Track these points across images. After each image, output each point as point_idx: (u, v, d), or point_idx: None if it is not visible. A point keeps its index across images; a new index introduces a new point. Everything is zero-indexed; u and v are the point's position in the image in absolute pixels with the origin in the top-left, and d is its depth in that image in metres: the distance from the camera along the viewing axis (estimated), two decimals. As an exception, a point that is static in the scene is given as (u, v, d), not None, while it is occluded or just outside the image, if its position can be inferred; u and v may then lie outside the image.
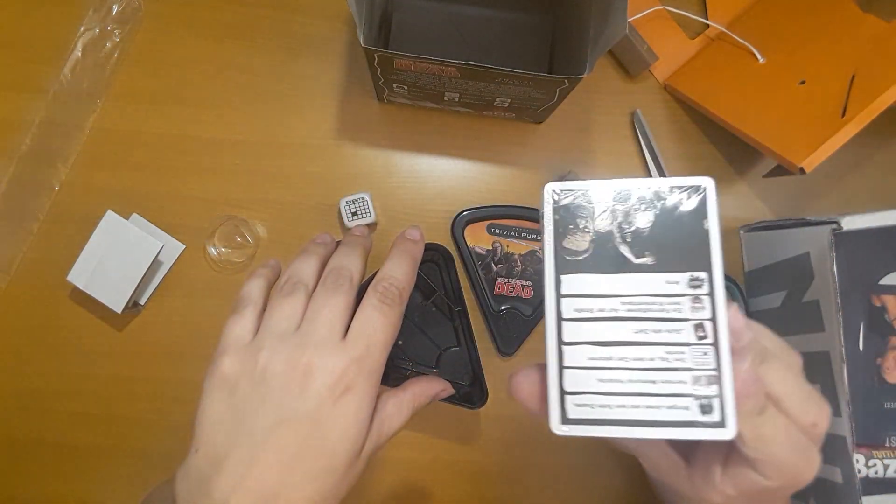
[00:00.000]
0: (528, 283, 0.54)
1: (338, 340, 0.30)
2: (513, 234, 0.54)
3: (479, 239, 0.54)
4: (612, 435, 0.23)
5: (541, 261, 0.27)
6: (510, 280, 0.54)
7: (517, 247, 0.54)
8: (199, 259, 0.53)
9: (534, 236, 0.54)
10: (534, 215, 0.54)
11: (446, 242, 0.54)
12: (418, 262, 0.35)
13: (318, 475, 0.28)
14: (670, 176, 0.56)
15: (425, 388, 0.35)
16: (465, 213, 0.54)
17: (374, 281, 0.32)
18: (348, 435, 0.29)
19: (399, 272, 0.33)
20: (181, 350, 0.52)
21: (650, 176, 0.56)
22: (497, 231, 0.54)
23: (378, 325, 0.30)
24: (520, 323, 0.53)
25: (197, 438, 0.30)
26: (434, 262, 0.51)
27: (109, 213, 0.49)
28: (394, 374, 0.50)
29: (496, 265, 0.54)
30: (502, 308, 0.53)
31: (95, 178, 0.53)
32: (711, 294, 0.23)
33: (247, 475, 0.27)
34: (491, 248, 0.54)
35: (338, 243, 0.38)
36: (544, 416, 0.24)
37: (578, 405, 0.23)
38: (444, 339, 0.52)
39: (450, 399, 0.49)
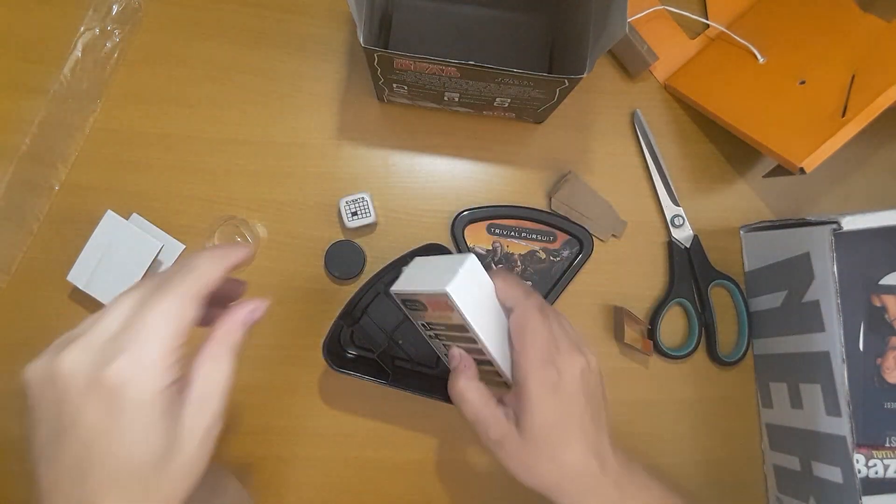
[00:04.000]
0: (529, 283, 0.54)
1: None
2: (513, 234, 0.54)
3: (479, 239, 0.54)
4: None
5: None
6: None
7: (517, 247, 0.54)
8: (199, 259, 0.53)
9: (534, 236, 0.54)
10: (534, 215, 0.54)
11: (446, 242, 0.54)
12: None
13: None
14: (671, 180, 0.56)
15: (234, 317, 0.30)
16: (466, 212, 0.54)
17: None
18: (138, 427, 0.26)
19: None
20: (181, 350, 0.52)
21: (650, 176, 0.56)
22: (497, 231, 0.54)
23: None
24: None
25: None
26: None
27: (109, 213, 0.49)
28: (396, 373, 0.50)
29: (496, 265, 0.54)
30: None
31: (95, 178, 0.53)
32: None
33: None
34: (491, 248, 0.54)
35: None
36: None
37: None
38: None
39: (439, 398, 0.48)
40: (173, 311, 0.27)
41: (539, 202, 0.55)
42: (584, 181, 0.55)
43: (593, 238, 0.54)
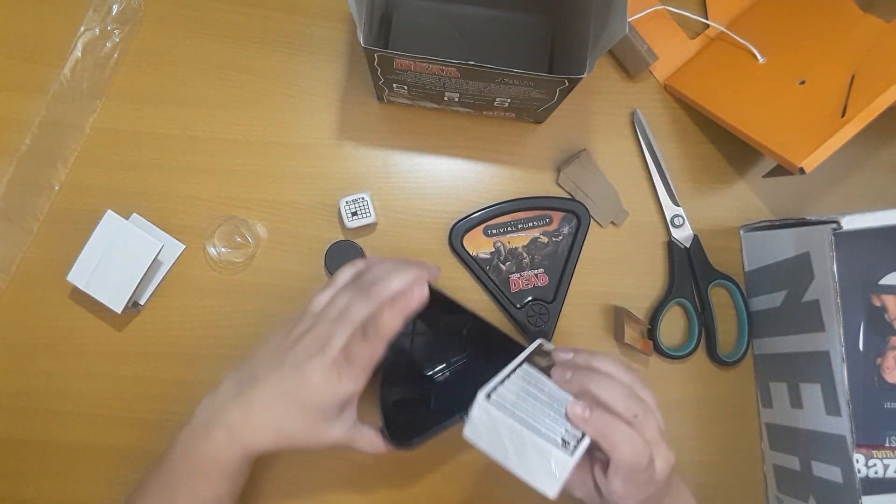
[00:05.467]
0: (540, 269, 0.54)
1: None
2: (510, 229, 0.54)
3: (479, 244, 0.54)
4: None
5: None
6: (522, 273, 0.54)
7: (518, 239, 0.54)
8: (199, 259, 0.53)
9: (531, 224, 0.54)
10: (525, 204, 0.54)
11: (446, 255, 0.54)
12: (406, 314, 0.39)
13: (291, 406, 0.40)
14: (670, 179, 0.56)
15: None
16: (460, 223, 0.54)
17: (369, 319, 0.40)
18: (320, 396, 0.40)
19: (382, 321, 0.39)
20: (181, 350, 0.52)
21: (650, 176, 0.56)
22: (494, 231, 0.54)
23: (362, 351, 0.39)
24: (546, 311, 0.53)
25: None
26: (430, 309, 0.43)
27: (109, 213, 0.49)
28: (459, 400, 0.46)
29: (504, 264, 0.54)
30: (526, 302, 0.53)
31: (95, 178, 0.53)
32: None
33: (253, 385, 0.40)
34: (494, 249, 0.54)
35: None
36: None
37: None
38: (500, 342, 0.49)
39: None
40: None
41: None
42: (596, 163, 0.55)
43: (591, 217, 0.55)
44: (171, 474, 0.41)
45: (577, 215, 0.54)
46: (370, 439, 0.43)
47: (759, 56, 0.53)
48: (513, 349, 0.47)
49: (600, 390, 0.38)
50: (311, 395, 0.40)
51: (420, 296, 0.39)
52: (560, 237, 0.54)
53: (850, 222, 0.44)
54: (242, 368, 0.43)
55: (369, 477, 0.52)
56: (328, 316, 0.42)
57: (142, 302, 0.52)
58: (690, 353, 0.54)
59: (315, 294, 0.45)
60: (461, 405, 0.45)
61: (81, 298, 0.51)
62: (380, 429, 0.44)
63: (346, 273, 0.45)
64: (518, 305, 0.53)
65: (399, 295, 0.39)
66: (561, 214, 0.54)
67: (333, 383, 0.39)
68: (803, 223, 0.49)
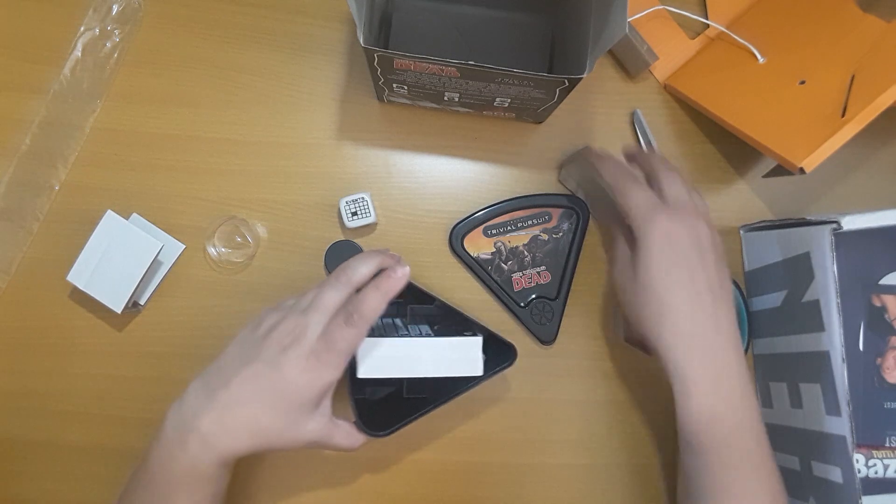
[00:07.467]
0: (542, 267, 0.54)
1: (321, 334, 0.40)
2: (510, 228, 0.54)
3: (480, 245, 0.54)
4: None
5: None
6: (524, 272, 0.54)
7: (518, 238, 0.54)
8: (199, 259, 0.53)
9: (530, 222, 0.54)
10: (523, 203, 0.54)
11: (447, 257, 0.54)
12: (390, 296, 0.40)
13: (268, 403, 0.39)
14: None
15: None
16: (459, 225, 0.54)
17: (347, 304, 0.40)
18: (298, 389, 0.39)
19: (367, 304, 0.40)
20: (181, 350, 0.52)
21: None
22: (494, 231, 0.54)
23: (345, 337, 0.39)
24: (550, 308, 0.53)
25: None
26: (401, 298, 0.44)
27: (109, 213, 0.49)
28: (432, 389, 0.47)
29: (506, 264, 0.54)
30: (529, 299, 0.54)
31: (95, 178, 0.53)
32: None
33: (225, 385, 0.39)
34: (494, 249, 0.54)
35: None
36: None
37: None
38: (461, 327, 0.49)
39: (493, 373, 0.46)
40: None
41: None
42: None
43: (590, 213, 0.55)
44: (146, 489, 0.40)
45: (576, 211, 0.54)
46: (347, 433, 0.43)
47: (759, 56, 0.53)
48: (478, 331, 0.48)
49: (656, 165, 0.45)
50: (289, 389, 0.39)
51: (403, 276, 0.39)
52: (560, 233, 0.54)
53: (850, 222, 0.44)
54: (208, 371, 0.41)
55: (352, 478, 0.52)
56: (298, 307, 0.41)
57: (142, 302, 0.52)
58: (690, 353, 0.54)
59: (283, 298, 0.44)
60: (435, 392, 0.47)
61: (81, 298, 0.51)
62: (353, 422, 0.44)
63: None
64: (522, 304, 0.53)
65: (382, 277, 0.39)
66: (559, 211, 0.54)
67: (312, 373, 0.39)
68: (803, 223, 0.49)
